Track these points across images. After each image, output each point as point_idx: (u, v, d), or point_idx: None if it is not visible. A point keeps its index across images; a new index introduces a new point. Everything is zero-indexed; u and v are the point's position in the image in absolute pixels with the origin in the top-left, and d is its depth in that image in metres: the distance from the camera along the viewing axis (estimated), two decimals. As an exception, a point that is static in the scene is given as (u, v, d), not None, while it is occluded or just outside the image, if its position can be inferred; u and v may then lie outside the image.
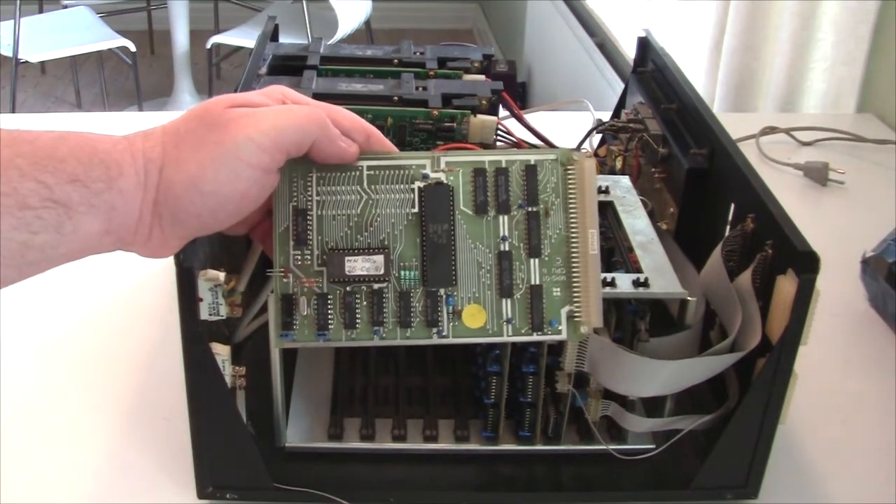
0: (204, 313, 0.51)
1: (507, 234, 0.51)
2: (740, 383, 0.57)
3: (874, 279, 0.79)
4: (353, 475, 0.58)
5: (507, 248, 0.51)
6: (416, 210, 0.51)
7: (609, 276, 0.55)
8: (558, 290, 0.51)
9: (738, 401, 0.55)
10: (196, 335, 0.51)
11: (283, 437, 0.58)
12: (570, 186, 0.51)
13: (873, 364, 0.74)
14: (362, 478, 0.58)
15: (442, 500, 0.58)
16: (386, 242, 0.51)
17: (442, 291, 0.51)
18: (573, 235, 0.51)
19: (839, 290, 0.80)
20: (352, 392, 0.62)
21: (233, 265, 0.56)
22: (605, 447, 0.58)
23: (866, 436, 0.66)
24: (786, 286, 0.52)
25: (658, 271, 0.56)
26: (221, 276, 0.51)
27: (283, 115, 0.47)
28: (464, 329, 0.51)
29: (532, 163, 0.51)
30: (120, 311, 0.76)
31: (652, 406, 0.59)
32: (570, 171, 0.51)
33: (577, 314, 0.51)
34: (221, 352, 0.52)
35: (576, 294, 0.51)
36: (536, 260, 0.51)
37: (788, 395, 0.54)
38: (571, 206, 0.51)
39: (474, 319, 0.51)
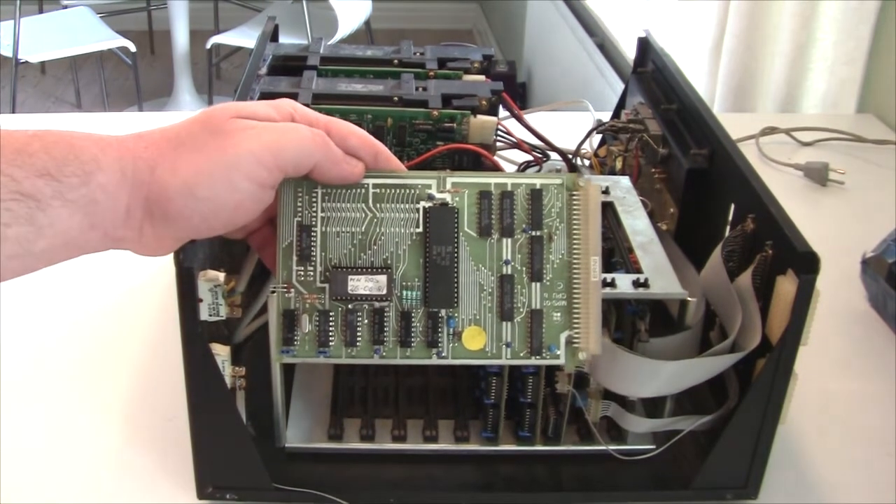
0: (204, 314, 0.51)
1: (509, 257, 0.51)
2: (740, 383, 0.57)
3: (874, 279, 0.79)
4: (353, 475, 0.58)
5: (509, 272, 0.51)
6: (420, 230, 0.51)
7: (609, 276, 0.55)
8: (558, 315, 0.51)
9: (737, 401, 0.55)
10: (196, 335, 0.51)
11: (283, 438, 0.58)
12: (575, 212, 0.51)
13: (873, 364, 0.74)
14: (362, 478, 0.58)
15: (442, 500, 0.58)
16: (389, 261, 0.51)
17: (443, 312, 0.51)
18: (575, 261, 0.51)
19: (839, 291, 0.80)
20: (352, 392, 0.62)
21: (233, 265, 0.56)
22: (605, 447, 0.59)
23: (866, 436, 0.66)
24: (786, 286, 0.52)
25: (658, 272, 0.56)
26: (221, 276, 0.51)
27: (286, 133, 0.46)
28: (463, 351, 0.51)
29: (538, 187, 0.51)
30: (120, 311, 0.76)
31: (652, 406, 0.59)
32: (575, 197, 0.51)
33: (576, 340, 0.51)
34: (221, 352, 0.52)
35: (575, 320, 0.51)
36: (538, 284, 0.51)
37: (788, 395, 0.54)
38: (575, 231, 0.51)
39: (474, 341, 0.51)
